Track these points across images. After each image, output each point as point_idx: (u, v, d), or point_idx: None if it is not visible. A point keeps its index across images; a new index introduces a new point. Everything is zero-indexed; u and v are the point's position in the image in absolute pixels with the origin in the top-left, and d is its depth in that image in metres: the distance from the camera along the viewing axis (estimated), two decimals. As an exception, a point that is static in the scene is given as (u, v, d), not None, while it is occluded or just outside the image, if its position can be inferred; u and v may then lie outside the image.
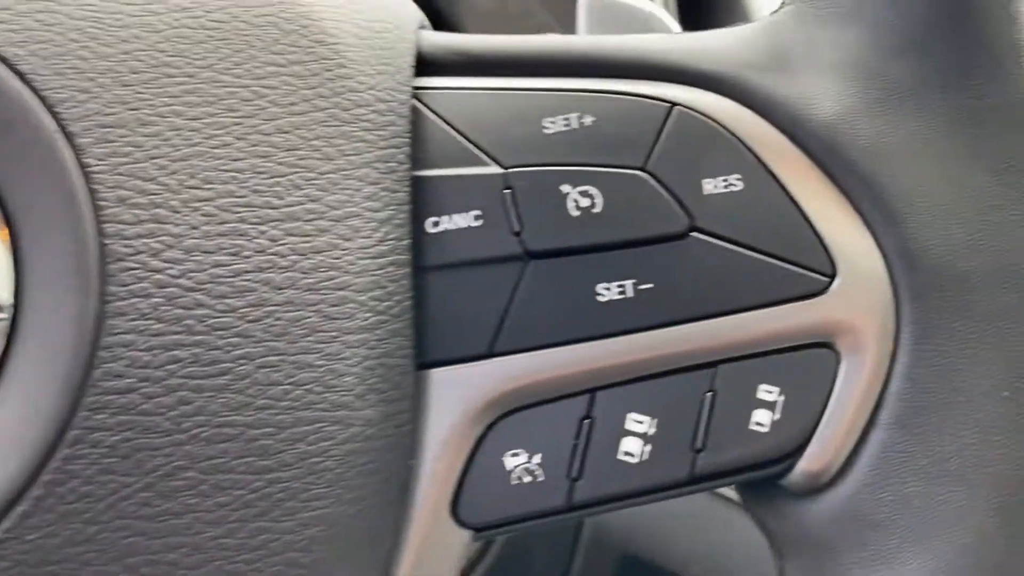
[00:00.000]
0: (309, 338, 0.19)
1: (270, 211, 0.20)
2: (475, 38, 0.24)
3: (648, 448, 0.22)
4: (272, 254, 0.19)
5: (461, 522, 0.22)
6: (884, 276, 0.22)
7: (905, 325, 0.22)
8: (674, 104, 0.22)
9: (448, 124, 0.22)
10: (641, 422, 0.22)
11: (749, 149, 0.22)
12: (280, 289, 0.19)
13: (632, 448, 0.22)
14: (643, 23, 0.29)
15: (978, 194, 0.21)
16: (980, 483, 0.21)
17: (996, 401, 0.21)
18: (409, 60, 0.22)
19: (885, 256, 0.22)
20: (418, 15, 0.24)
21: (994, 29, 0.22)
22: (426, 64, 0.23)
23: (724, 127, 0.22)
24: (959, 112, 0.22)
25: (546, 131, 0.22)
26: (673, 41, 0.24)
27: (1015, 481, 0.21)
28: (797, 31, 0.23)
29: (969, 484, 0.21)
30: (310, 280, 0.20)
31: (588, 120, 0.22)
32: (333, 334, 0.20)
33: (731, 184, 0.22)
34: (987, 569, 0.21)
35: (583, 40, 0.24)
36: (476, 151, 0.22)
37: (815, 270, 0.22)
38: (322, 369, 0.20)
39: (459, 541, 0.22)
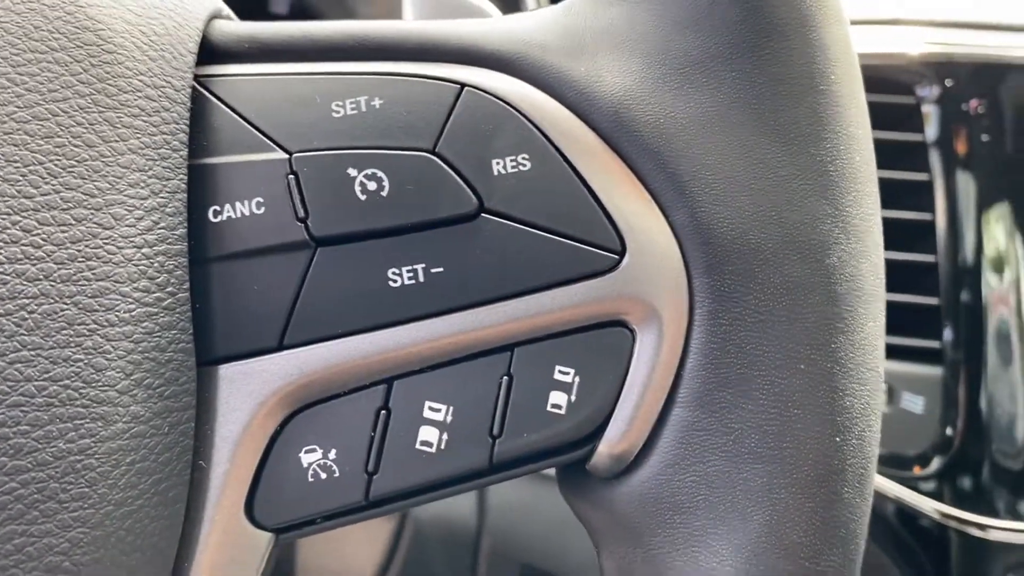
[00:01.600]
0: (66, 331, 0.19)
1: (24, 200, 0.19)
2: (268, 25, 0.23)
3: (446, 437, 0.21)
4: (26, 245, 0.19)
5: (258, 524, 0.21)
6: (675, 252, 0.21)
7: (698, 300, 0.21)
8: (464, 85, 0.22)
9: (233, 111, 0.22)
10: (438, 410, 0.21)
11: (538, 128, 0.22)
12: (33, 281, 0.18)
13: (430, 437, 0.21)
14: (465, 10, 0.28)
15: (767, 166, 0.21)
16: (779, 459, 0.21)
17: (792, 374, 0.21)
18: (190, 47, 0.21)
19: (676, 232, 0.21)
20: (212, 5, 0.23)
21: (778, 0, 0.22)
22: (216, 52, 0.22)
23: (513, 107, 0.22)
24: (746, 84, 0.21)
25: (335, 115, 0.22)
26: (469, 25, 0.23)
27: (813, 456, 0.21)
28: (592, 12, 0.23)
29: (768, 461, 0.21)
30: (66, 271, 0.19)
31: (377, 103, 0.22)
32: (92, 327, 0.19)
33: (519, 164, 0.21)
34: (789, 546, 0.21)
35: (376, 25, 0.23)
36: (261, 137, 0.22)
37: (604, 248, 0.21)
38: (80, 363, 0.19)
39: (258, 544, 0.22)
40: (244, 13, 0.65)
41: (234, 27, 0.23)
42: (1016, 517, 0.46)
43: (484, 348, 0.21)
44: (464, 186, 0.21)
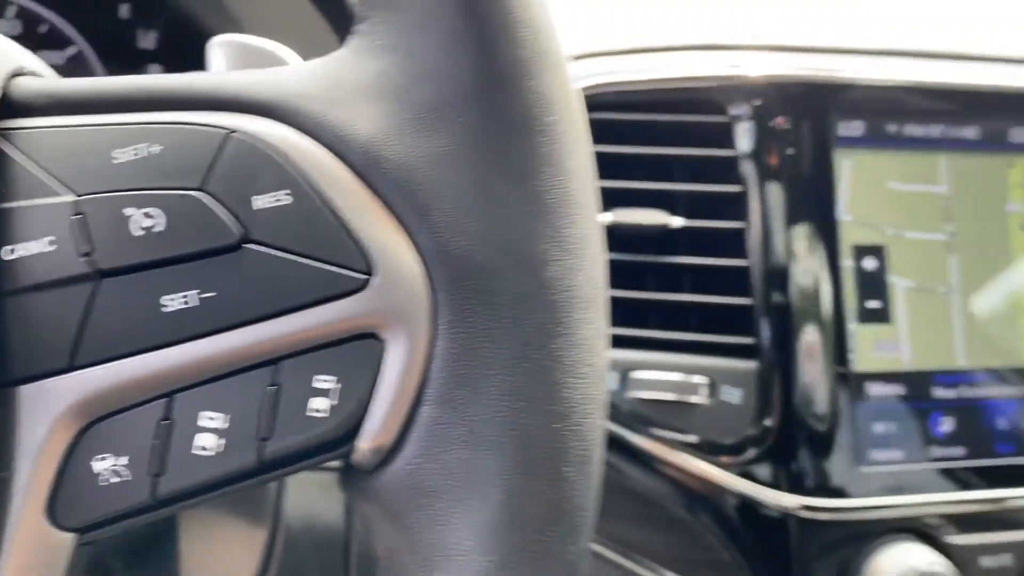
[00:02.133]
0: None
1: None
2: (65, 82, 0.26)
3: (222, 441, 0.24)
4: None
5: (61, 526, 0.24)
6: (419, 271, 0.25)
7: (440, 313, 0.25)
8: (231, 131, 0.25)
9: (30, 159, 0.25)
10: (214, 419, 0.24)
11: (298, 168, 0.25)
12: None
13: (207, 443, 0.24)
14: (267, 59, 0.31)
15: (493, 196, 0.25)
16: (510, 446, 0.25)
17: (518, 373, 0.25)
18: None
19: (420, 254, 0.25)
20: (13, 64, 0.26)
21: (499, 52, 0.25)
22: (15, 107, 0.25)
23: (276, 149, 0.25)
24: (475, 127, 0.25)
25: (115, 161, 0.25)
26: (245, 76, 0.26)
27: (538, 441, 0.25)
28: (350, 65, 0.26)
29: (500, 448, 0.24)
30: None
31: (155, 149, 0.25)
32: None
33: (280, 199, 0.25)
34: (521, 521, 0.25)
35: (163, 78, 0.26)
36: (53, 182, 0.24)
37: (355, 269, 0.25)
38: None
39: (61, 544, 0.24)
40: (110, 50, 0.66)
41: (35, 83, 0.26)
42: (828, 495, 0.51)
43: (252, 363, 0.24)
44: (229, 220, 0.24)
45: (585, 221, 0.26)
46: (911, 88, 0.55)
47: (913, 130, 0.55)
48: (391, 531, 0.26)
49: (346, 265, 0.25)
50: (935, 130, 0.55)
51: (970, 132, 0.56)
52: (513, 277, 0.25)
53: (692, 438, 0.51)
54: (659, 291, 0.53)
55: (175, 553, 0.56)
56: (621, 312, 0.53)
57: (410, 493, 0.25)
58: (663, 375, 0.51)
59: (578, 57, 0.55)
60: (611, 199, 0.53)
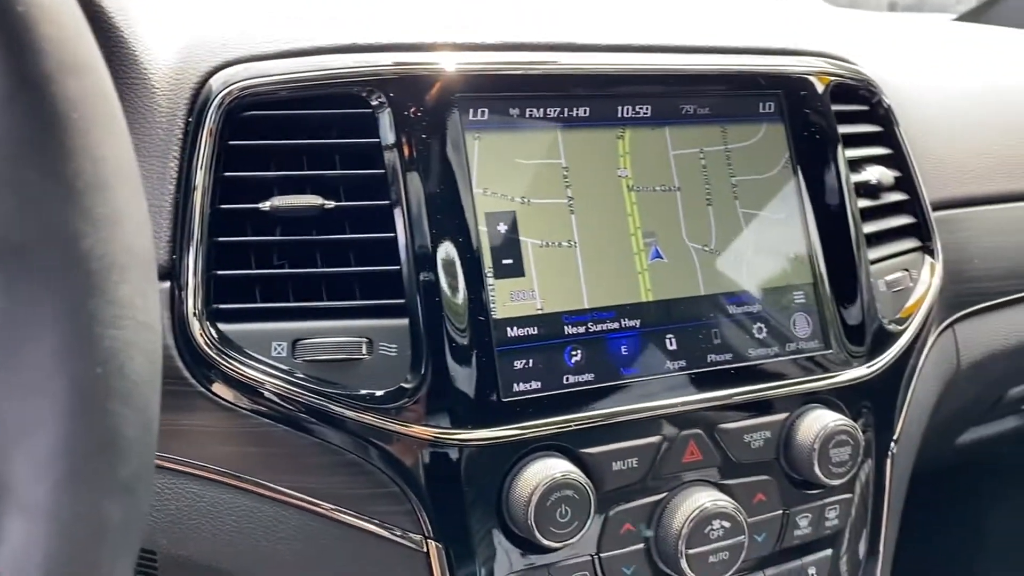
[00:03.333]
0: None
1: None
2: None
3: None
4: None
5: None
6: None
7: None
8: None
9: None
10: None
11: None
12: None
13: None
14: None
15: (27, 185, 0.31)
16: (57, 391, 0.30)
17: (59, 330, 0.30)
18: None
19: None
20: None
21: (27, 61, 0.31)
22: None
23: None
24: (9, 127, 0.30)
25: None
26: None
27: (82, 384, 0.31)
28: None
29: (48, 394, 0.30)
30: None
31: None
32: None
33: None
34: (72, 453, 0.30)
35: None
36: None
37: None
38: None
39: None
40: None
41: None
42: (479, 426, 0.59)
43: None
44: None
45: (118, 201, 0.32)
46: (528, 76, 0.65)
47: (533, 112, 0.65)
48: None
49: None
50: (552, 111, 0.65)
51: (582, 111, 0.66)
52: (47, 252, 0.30)
53: (360, 391, 0.58)
54: (325, 266, 0.60)
55: None
56: (292, 287, 0.60)
57: None
58: (327, 340, 0.58)
59: (235, 61, 0.60)
60: (277, 187, 0.60)
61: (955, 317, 0.90)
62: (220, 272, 0.58)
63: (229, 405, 0.58)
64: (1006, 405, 1.11)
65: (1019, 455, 1.63)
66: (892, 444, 0.75)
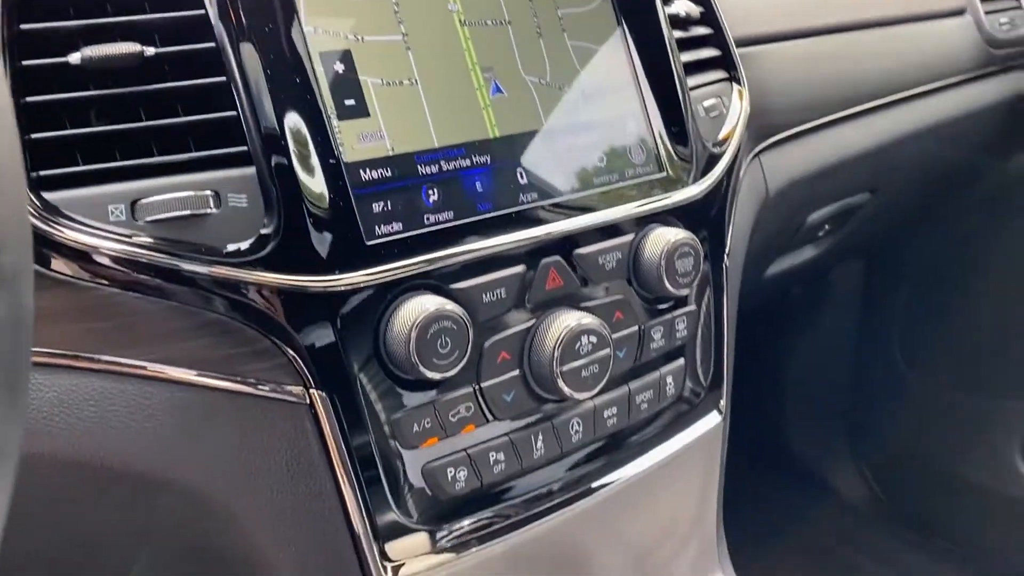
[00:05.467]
0: None
1: None
2: None
3: None
4: None
5: None
6: None
7: None
8: None
9: None
10: None
11: None
12: None
13: None
14: None
15: None
16: None
17: None
18: None
19: None
20: None
21: None
22: None
23: None
24: None
25: None
26: None
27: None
28: None
29: None
30: None
31: None
32: None
33: None
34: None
35: None
36: None
37: None
38: None
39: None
40: None
41: None
42: (346, 270, 0.58)
43: None
44: None
45: None
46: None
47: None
48: None
49: None
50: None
51: (405, -55, 0.64)
52: None
53: (213, 247, 0.55)
54: (153, 120, 0.55)
55: None
56: (122, 145, 0.55)
57: None
58: (169, 196, 0.54)
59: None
60: (83, 39, 0.54)
61: (761, 147, 0.98)
62: (36, 136, 0.52)
63: (68, 279, 0.53)
64: (806, 232, 1.23)
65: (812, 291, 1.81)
66: (725, 257, 0.81)
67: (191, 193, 0.54)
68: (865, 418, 1.89)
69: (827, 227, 1.25)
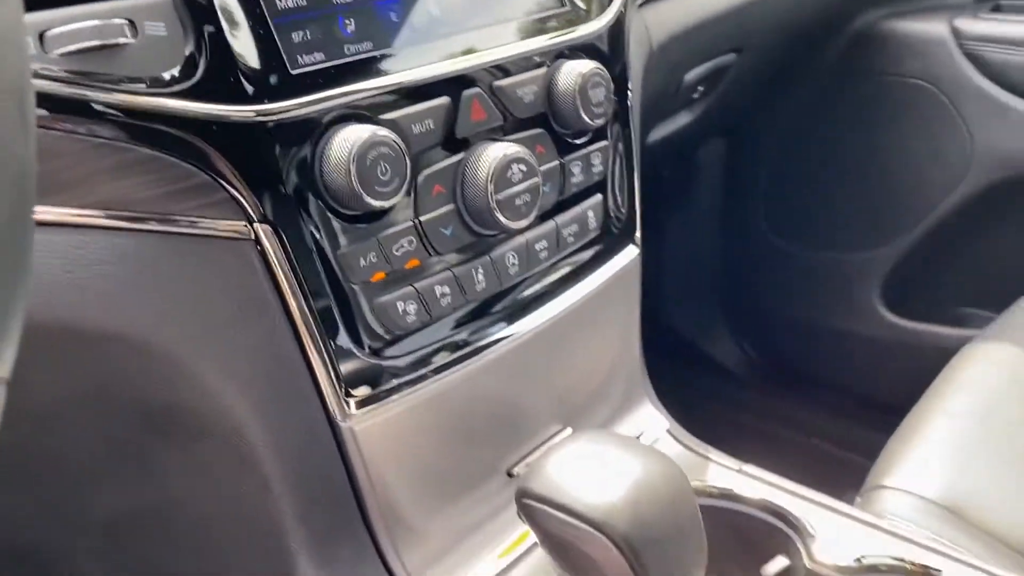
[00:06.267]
0: None
1: None
2: None
3: None
4: None
5: None
6: None
7: None
8: None
9: None
10: None
11: None
12: None
13: None
14: None
15: None
16: None
17: None
18: None
19: None
20: None
21: None
22: None
23: None
24: None
25: None
26: None
27: None
28: None
29: None
30: None
31: None
32: None
33: None
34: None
35: None
36: None
37: None
38: None
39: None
40: None
41: None
42: (274, 99, 0.56)
43: None
44: None
45: None
46: None
47: None
48: None
49: None
50: None
51: None
52: None
53: (134, 76, 0.52)
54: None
55: None
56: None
57: None
58: (81, 24, 0.50)
59: None
60: None
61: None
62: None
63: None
64: (684, 93, 1.27)
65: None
66: (629, 92, 0.84)
67: (103, 21, 0.51)
68: (736, 287, 2.01)
69: (701, 88, 1.31)
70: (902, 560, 0.70)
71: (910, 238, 1.68)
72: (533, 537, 0.74)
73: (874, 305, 1.77)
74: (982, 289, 1.66)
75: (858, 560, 0.71)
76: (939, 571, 0.69)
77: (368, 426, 0.63)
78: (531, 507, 0.54)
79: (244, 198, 0.55)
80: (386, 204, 0.60)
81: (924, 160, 1.63)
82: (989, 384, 1.09)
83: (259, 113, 0.55)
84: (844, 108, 1.74)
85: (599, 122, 0.75)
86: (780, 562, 0.74)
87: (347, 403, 0.62)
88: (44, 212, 0.51)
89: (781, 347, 1.97)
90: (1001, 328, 1.22)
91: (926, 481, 0.93)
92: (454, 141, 0.66)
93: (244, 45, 0.55)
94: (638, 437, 0.86)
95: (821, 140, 1.79)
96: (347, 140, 0.58)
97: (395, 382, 0.64)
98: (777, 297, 1.96)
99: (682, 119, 1.39)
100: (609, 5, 0.80)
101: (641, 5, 1.00)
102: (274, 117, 0.56)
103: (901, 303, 1.73)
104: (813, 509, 0.76)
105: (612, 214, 0.81)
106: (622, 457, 0.54)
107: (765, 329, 2.00)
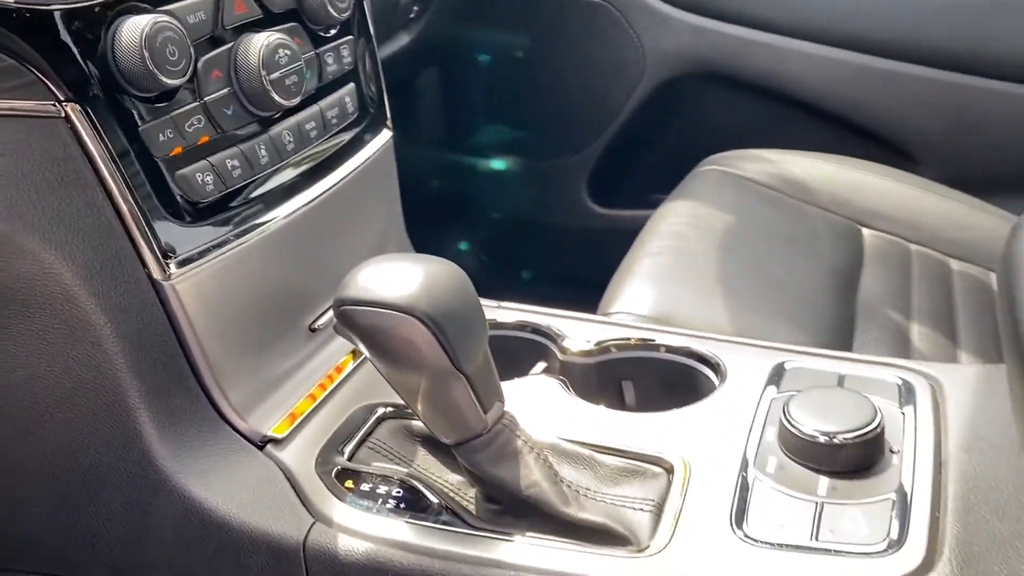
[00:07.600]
0: None
1: None
2: None
3: None
4: None
5: None
6: None
7: None
8: None
9: None
10: None
11: None
12: None
13: None
14: None
15: None
16: None
17: None
18: None
19: None
20: None
21: None
22: None
23: None
24: None
25: None
26: None
27: None
28: None
29: None
30: None
31: None
32: None
33: None
34: None
35: None
36: None
37: None
38: None
39: None
40: None
41: None
42: None
43: None
44: None
45: None
46: None
47: None
48: None
49: None
50: None
51: None
52: None
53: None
54: None
55: None
56: None
57: None
58: None
59: None
60: None
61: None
62: None
63: None
64: (402, 9, 1.41)
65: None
66: (365, -4, 0.96)
67: None
68: (469, 205, 2.21)
69: (416, 8, 1.45)
70: (628, 339, 0.92)
71: (605, 138, 1.96)
72: (344, 372, 0.87)
73: (584, 200, 2.04)
74: (665, 174, 1.98)
75: (597, 344, 0.91)
76: (654, 340, 0.91)
77: (187, 285, 0.72)
78: (349, 312, 0.66)
79: (49, 80, 0.61)
80: (176, 83, 0.68)
81: (608, 69, 1.91)
82: (677, 231, 1.36)
83: (48, 1, 0.61)
84: (537, 32, 1.97)
85: (345, 15, 0.87)
86: (540, 366, 0.93)
87: (167, 264, 0.70)
88: None
89: (511, 251, 2.21)
90: (679, 192, 1.51)
91: (640, 303, 1.17)
92: (224, 32, 0.75)
93: None
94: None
95: (520, 63, 2.02)
96: (136, 26, 0.65)
97: (205, 245, 0.73)
98: (504, 208, 2.19)
99: (402, 40, 1.53)
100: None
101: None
102: (63, 5, 0.62)
103: (605, 195, 2.02)
104: (561, 321, 0.95)
105: (366, 100, 0.94)
106: (414, 262, 0.68)
107: (497, 239, 2.22)
